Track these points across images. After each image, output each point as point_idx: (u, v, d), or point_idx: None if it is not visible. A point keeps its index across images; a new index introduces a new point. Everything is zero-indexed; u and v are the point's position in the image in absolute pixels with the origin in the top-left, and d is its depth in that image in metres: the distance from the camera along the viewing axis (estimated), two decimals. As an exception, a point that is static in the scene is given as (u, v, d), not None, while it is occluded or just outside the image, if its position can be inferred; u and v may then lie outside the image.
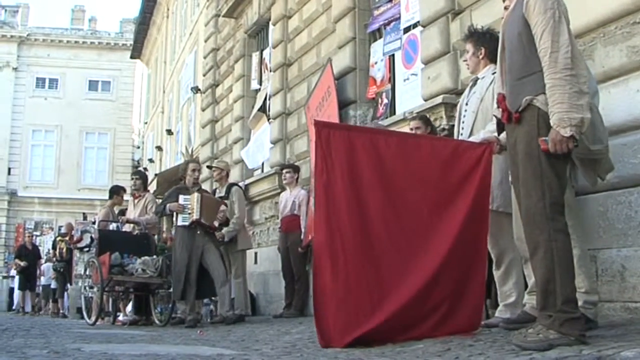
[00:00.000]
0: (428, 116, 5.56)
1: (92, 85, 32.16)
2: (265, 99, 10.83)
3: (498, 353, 2.87)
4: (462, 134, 4.23)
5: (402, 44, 7.11)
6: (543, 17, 2.98)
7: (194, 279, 6.98)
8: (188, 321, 6.98)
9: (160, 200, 8.11)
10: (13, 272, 18.52)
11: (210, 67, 14.18)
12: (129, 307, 8.86)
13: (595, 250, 4.02)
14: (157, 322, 7.74)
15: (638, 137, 3.94)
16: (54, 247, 14.43)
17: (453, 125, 4.75)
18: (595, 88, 3.51)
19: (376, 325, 3.55)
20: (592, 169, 3.30)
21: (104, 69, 32.03)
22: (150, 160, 24.10)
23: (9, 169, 30.55)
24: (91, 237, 10.55)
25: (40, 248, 18.54)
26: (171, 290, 7.22)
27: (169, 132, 20.53)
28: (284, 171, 8.42)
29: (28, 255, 15.86)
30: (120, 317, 8.75)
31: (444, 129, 5.68)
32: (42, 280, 16.24)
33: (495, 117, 3.40)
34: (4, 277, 19.65)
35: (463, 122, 4.25)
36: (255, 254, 10.04)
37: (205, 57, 14.60)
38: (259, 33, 11.91)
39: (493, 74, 3.94)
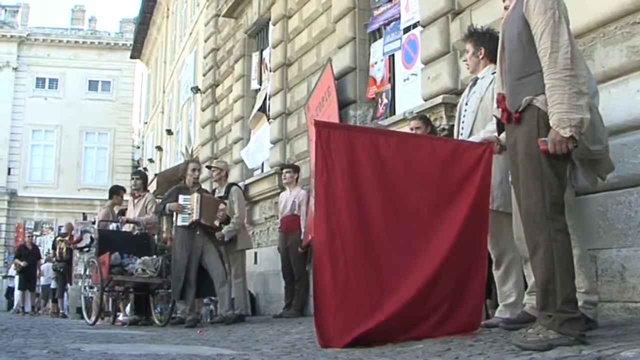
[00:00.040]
0: (428, 116, 5.56)
1: (92, 85, 32.17)
2: (265, 99, 10.83)
3: (498, 353, 2.87)
4: (462, 134, 4.23)
5: (402, 44, 7.11)
6: (543, 17, 2.98)
7: (193, 279, 6.98)
8: (188, 321, 6.98)
9: (160, 200, 8.11)
10: (12, 272, 18.49)
11: (210, 67, 14.18)
12: (128, 307, 8.86)
13: (595, 250, 4.02)
14: (157, 322, 7.74)
15: (638, 137, 3.94)
16: (53, 247, 14.43)
17: (453, 125, 4.75)
18: (595, 88, 3.51)
19: (376, 325, 3.55)
20: (592, 169, 3.30)
21: (104, 69, 32.04)
22: (150, 160, 24.10)
23: (9, 169, 30.56)
24: (91, 237, 10.55)
25: (40, 248, 18.54)
26: (171, 290, 7.22)
27: (169, 132, 20.53)
28: (284, 171, 8.43)
29: (28, 255, 15.86)
30: (120, 317, 8.75)
31: (443, 129, 5.68)
32: (42, 280, 16.24)
33: (495, 117, 3.40)
34: (4, 277, 19.64)
35: (463, 122, 4.25)
36: (255, 254, 10.04)
37: (205, 57, 14.61)
38: (259, 33, 11.91)
39: (493, 73, 3.94)
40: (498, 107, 3.27)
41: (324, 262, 3.68)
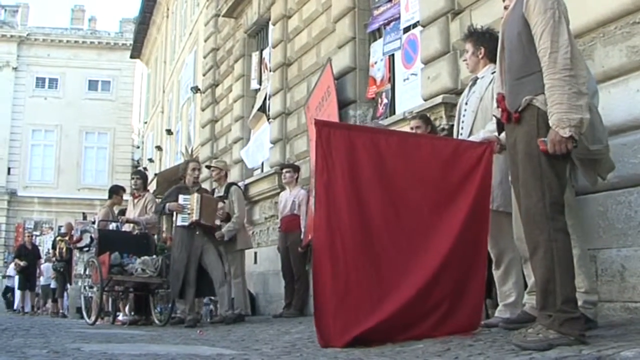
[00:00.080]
0: (428, 116, 5.56)
1: (92, 85, 32.19)
2: (265, 98, 10.83)
3: (498, 353, 2.87)
4: (461, 134, 4.23)
5: (402, 43, 7.11)
6: (543, 17, 2.98)
7: (193, 279, 6.98)
8: (188, 321, 6.98)
9: (160, 200, 8.11)
10: (10, 271, 18.47)
11: (210, 66, 14.18)
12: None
13: (595, 250, 4.03)
14: (156, 321, 7.74)
15: (638, 137, 3.94)
16: (53, 247, 14.43)
17: (453, 125, 4.75)
18: (594, 88, 3.51)
19: (376, 324, 3.55)
20: (592, 168, 3.30)
21: (104, 68, 32.05)
22: (150, 160, 24.11)
23: (9, 169, 30.57)
24: (91, 237, 10.54)
25: (40, 248, 18.54)
26: (170, 289, 7.22)
27: (169, 131, 20.53)
28: (284, 171, 8.42)
29: (28, 255, 15.86)
30: (120, 317, 8.75)
31: (443, 129, 5.68)
32: (42, 280, 16.24)
33: (495, 116, 3.40)
34: (3, 277, 19.65)
35: (463, 122, 4.25)
36: (255, 253, 10.04)
37: (205, 57, 14.61)
38: (258, 33, 11.91)
39: (492, 73, 3.94)
40: (498, 106, 3.27)
41: (324, 262, 3.68)
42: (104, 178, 30.36)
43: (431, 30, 6.19)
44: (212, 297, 8.17)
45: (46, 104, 31.32)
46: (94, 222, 11.17)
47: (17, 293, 17.33)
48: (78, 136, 31.56)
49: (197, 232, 7.08)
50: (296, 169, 8.39)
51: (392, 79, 7.56)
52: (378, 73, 7.79)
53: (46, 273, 16.00)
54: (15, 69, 31.30)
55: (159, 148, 22.75)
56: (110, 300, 9.07)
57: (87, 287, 8.60)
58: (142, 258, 7.57)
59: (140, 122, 31.58)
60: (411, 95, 6.85)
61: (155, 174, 17.98)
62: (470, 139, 4.02)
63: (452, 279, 3.72)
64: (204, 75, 14.67)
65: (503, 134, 3.45)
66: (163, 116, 22.72)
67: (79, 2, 42.78)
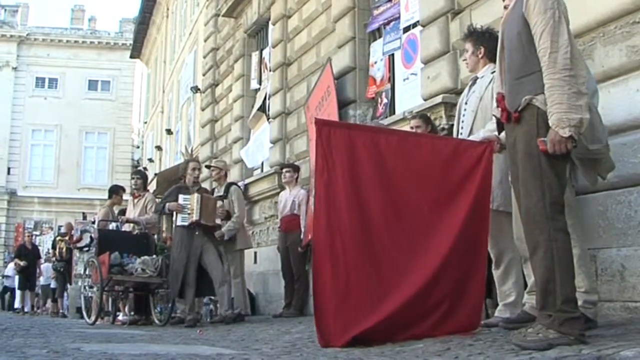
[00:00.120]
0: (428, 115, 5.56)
1: (92, 84, 32.19)
2: (265, 98, 10.83)
3: (498, 352, 2.87)
4: (461, 133, 4.23)
5: (402, 43, 7.11)
6: (543, 17, 2.98)
7: (192, 279, 6.98)
8: (187, 321, 6.98)
9: (160, 200, 8.11)
10: (8, 271, 18.45)
11: (210, 66, 14.18)
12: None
13: (595, 250, 4.03)
14: (156, 321, 7.73)
15: (638, 136, 3.95)
16: (53, 247, 14.42)
17: (453, 125, 4.75)
18: (594, 88, 3.51)
19: (376, 323, 3.55)
20: (592, 168, 3.29)
21: (104, 68, 32.06)
22: (150, 160, 24.11)
23: (9, 169, 30.57)
24: (91, 237, 10.54)
25: (39, 248, 18.52)
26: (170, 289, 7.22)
27: (169, 131, 20.53)
28: (284, 170, 8.42)
29: (28, 255, 15.85)
30: (120, 317, 8.75)
31: (443, 129, 5.68)
32: (41, 280, 16.24)
33: (495, 116, 3.40)
34: (3, 277, 19.64)
35: (462, 122, 4.25)
36: (255, 253, 10.04)
37: (204, 57, 14.60)
38: (258, 32, 11.91)
39: (492, 73, 3.94)
40: (497, 106, 3.27)
41: (324, 261, 3.68)
42: (103, 178, 30.36)
43: (431, 30, 6.19)
44: (212, 297, 8.17)
45: (46, 104, 31.32)
46: (93, 222, 11.17)
47: (17, 293, 17.33)
48: (78, 136, 31.56)
49: (197, 232, 7.08)
50: (296, 169, 8.39)
51: (392, 79, 7.56)
52: (378, 73, 7.79)
53: (46, 273, 16.00)
54: (15, 68, 31.30)
55: (158, 148, 22.75)
56: (110, 300, 9.07)
57: (87, 287, 8.60)
58: (142, 258, 7.57)
59: (140, 122, 31.58)
60: (411, 95, 6.85)
61: (155, 174, 17.99)
62: (470, 138, 4.01)
63: (452, 279, 3.72)
64: (203, 75, 14.67)
65: (503, 134, 3.45)
66: (163, 116, 22.72)
67: (79, 2, 42.80)
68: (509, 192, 3.68)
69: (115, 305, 9.06)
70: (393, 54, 7.47)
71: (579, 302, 3.07)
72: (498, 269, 4.00)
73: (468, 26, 4.46)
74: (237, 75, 12.22)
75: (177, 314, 7.59)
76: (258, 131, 10.99)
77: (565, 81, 2.89)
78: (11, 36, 31.37)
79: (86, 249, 11.32)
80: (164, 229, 11.36)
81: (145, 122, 28.77)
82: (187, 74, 17.22)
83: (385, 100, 7.57)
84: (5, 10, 32.21)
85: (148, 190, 9.17)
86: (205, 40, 14.73)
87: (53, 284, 14.86)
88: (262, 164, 10.87)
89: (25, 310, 16.32)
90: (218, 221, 7.33)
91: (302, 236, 8.00)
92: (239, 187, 8.59)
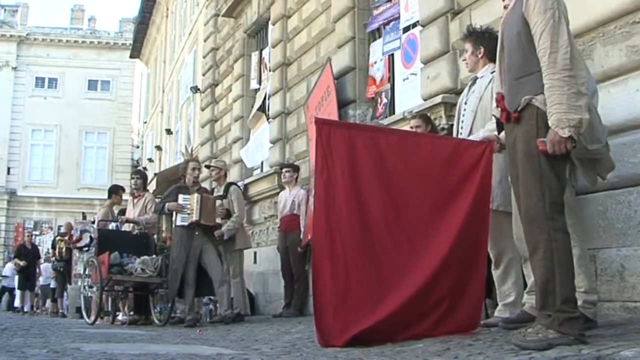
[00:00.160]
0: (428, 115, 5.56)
1: (92, 84, 32.19)
2: (265, 98, 10.83)
3: (497, 352, 2.87)
4: (461, 133, 4.23)
5: (402, 43, 7.11)
6: (543, 17, 2.97)
7: (192, 279, 6.98)
8: (187, 321, 6.98)
9: (160, 200, 8.11)
10: (6, 271, 18.42)
11: (210, 66, 14.17)
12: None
13: (594, 250, 4.03)
14: (156, 321, 7.73)
15: (638, 136, 3.95)
16: (53, 247, 14.42)
17: (452, 125, 4.75)
18: (593, 88, 3.51)
19: (375, 322, 3.55)
20: (592, 168, 3.30)
21: (104, 68, 32.06)
22: (150, 160, 24.11)
23: (9, 169, 30.57)
24: (90, 237, 10.53)
25: (39, 248, 18.51)
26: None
27: (169, 131, 20.52)
28: (284, 170, 8.42)
29: (27, 254, 15.85)
30: (120, 317, 8.74)
31: (443, 129, 5.67)
32: (41, 280, 16.22)
33: (494, 116, 3.40)
34: (2, 277, 19.62)
35: (462, 122, 4.25)
36: (255, 253, 10.04)
37: (204, 57, 14.60)
38: (258, 32, 11.91)
39: (492, 72, 3.94)
40: (497, 106, 3.27)
41: (324, 261, 3.68)
42: (103, 178, 30.35)
43: (431, 30, 6.18)
44: (212, 297, 8.16)
45: (46, 104, 31.31)
46: (93, 222, 11.16)
47: (17, 293, 17.33)
48: (78, 136, 31.56)
49: (197, 232, 7.08)
50: (296, 169, 8.39)
51: (391, 79, 7.56)
52: (378, 73, 7.79)
53: (45, 273, 15.99)
54: (14, 68, 31.30)
55: (158, 148, 22.75)
56: (109, 300, 9.06)
57: (86, 287, 8.59)
58: (142, 258, 7.56)
59: (140, 121, 31.58)
60: (411, 95, 6.85)
61: (155, 174, 17.98)
62: (470, 138, 4.01)
63: (452, 278, 3.72)
64: (203, 75, 14.67)
65: (503, 133, 3.45)
66: (163, 116, 22.72)
67: (79, 1, 42.71)
68: (509, 192, 3.68)
69: (115, 305, 9.05)
70: (393, 54, 7.47)
71: (579, 302, 3.07)
72: (497, 269, 4.00)
73: (467, 26, 4.47)
74: (236, 75, 12.22)
75: (176, 314, 7.58)
76: (258, 131, 10.99)
77: (565, 81, 2.89)
78: (11, 36, 31.37)
79: (86, 248, 11.31)
80: (163, 228, 11.36)
81: (145, 122, 28.76)
82: (187, 74, 17.22)
83: (385, 100, 7.57)
84: (5, 10, 32.21)
85: (148, 190, 9.16)
86: (205, 40, 14.73)
87: (53, 284, 14.86)
88: (262, 164, 10.87)
89: (25, 310, 16.31)
90: (218, 220, 7.33)
91: (301, 236, 8.00)
92: (239, 187, 8.60)
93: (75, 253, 12.97)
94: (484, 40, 4.18)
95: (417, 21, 6.58)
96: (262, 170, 10.78)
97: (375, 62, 7.87)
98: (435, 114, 5.79)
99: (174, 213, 7.22)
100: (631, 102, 3.97)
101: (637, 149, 3.93)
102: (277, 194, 9.12)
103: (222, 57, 13.50)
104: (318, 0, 8.97)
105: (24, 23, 32.43)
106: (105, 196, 10.51)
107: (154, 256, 7.67)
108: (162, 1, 23.28)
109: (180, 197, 7.15)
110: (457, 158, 3.80)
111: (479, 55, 4.20)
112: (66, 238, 13.67)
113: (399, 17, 7.15)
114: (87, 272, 8.55)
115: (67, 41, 31.99)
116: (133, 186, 8.66)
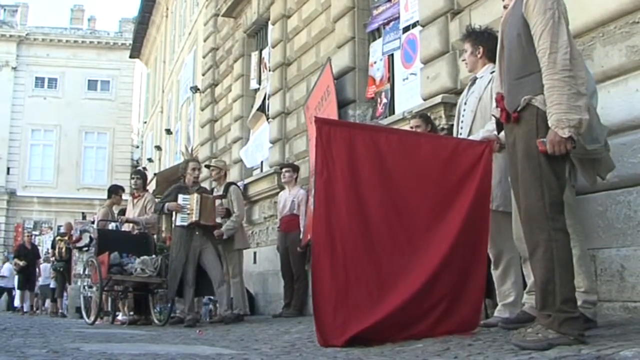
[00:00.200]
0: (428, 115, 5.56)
1: (92, 84, 32.18)
2: (265, 98, 10.83)
3: (497, 352, 2.87)
4: (461, 133, 4.23)
5: (401, 43, 7.11)
6: (542, 17, 2.97)
7: (191, 279, 6.98)
8: (187, 321, 6.98)
9: (159, 199, 8.11)
10: (4, 272, 18.43)
11: (210, 66, 14.17)
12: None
13: (594, 250, 4.03)
14: (156, 321, 7.73)
15: (637, 136, 3.95)
16: (53, 247, 14.42)
17: (452, 125, 4.75)
18: (593, 88, 3.51)
19: (375, 322, 3.55)
20: (591, 168, 3.30)
21: (103, 68, 32.05)
22: (150, 160, 24.10)
23: (8, 169, 30.56)
24: (90, 237, 10.53)
25: (39, 248, 18.51)
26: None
27: (168, 131, 20.52)
28: (284, 170, 8.42)
29: (27, 254, 15.85)
30: (119, 317, 8.74)
31: (443, 129, 5.68)
32: (40, 280, 16.22)
33: (494, 116, 3.40)
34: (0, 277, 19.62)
35: (462, 122, 4.25)
36: (255, 253, 10.04)
37: (204, 57, 14.60)
38: (258, 32, 11.91)
39: (492, 73, 3.94)
40: (497, 106, 3.27)
41: (323, 261, 3.68)
42: (103, 178, 30.34)
43: (430, 30, 6.18)
44: (212, 297, 8.16)
45: (45, 104, 31.31)
46: (93, 222, 11.16)
47: (17, 293, 17.32)
48: (77, 136, 31.55)
49: (197, 232, 7.09)
50: (295, 169, 8.39)
51: (391, 79, 7.56)
52: (377, 73, 7.79)
53: (45, 273, 15.98)
54: (14, 68, 31.29)
55: (158, 148, 22.74)
56: (109, 300, 9.06)
57: (86, 287, 8.59)
58: (142, 258, 7.56)
59: (140, 121, 31.58)
60: (410, 95, 6.85)
61: (155, 174, 17.98)
62: (470, 137, 4.01)
63: (451, 278, 3.72)
64: (203, 75, 14.67)
65: (502, 133, 3.45)
66: (162, 116, 22.72)
67: (79, 1, 42.69)
68: (509, 192, 3.68)
69: (115, 305, 9.05)
70: (392, 54, 7.47)
71: (579, 302, 3.08)
72: (497, 269, 4.00)
73: (467, 26, 4.47)
74: (236, 75, 12.22)
75: (176, 314, 7.58)
76: (257, 131, 10.99)
77: (565, 82, 2.89)
78: (11, 36, 31.37)
79: (85, 248, 11.31)
80: (163, 228, 11.36)
81: (145, 122, 28.76)
82: (187, 74, 17.22)
83: (384, 100, 7.57)
84: (5, 10, 32.20)
85: (147, 190, 9.16)
86: (204, 40, 14.73)
87: (52, 284, 14.85)
88: (262, 163, 10.87)
89: (25, 310, 16.30)
90: (218, 220, 7.33)
91: (301, 236, 8.00)
92: (238, 187, 8.60)
93: (75, 253, 12.97)
94: (483, 40, 4.18)
95: (417, 21, 6.58)
96: (261, 170, 10.78)
97: (375, 62, 7.87)
98: (435, 114, 5.79)
99: (174, 213, 7.23)
100: (631, 102, 3.97)
101: (637, 149, 3.93)
102: (277, 194, 9.12)
103: (222, 57, 13.50)
104: (318, 0, 8.97)
105: (24, 23, 32.42)
106: (105, 196, 10.50)
107: (153, 256, 7.68)
108: (162, 1, 23.28)
109: (180, 197, 7.15)
110: (456, 158, 3.80)
111: (479, 55, 4.21)
112: (66, 238, 13.67)
113: (398, 17, 7.15)
114: (86, 272, 8.55)
115: (67, 41, 31.99)
116: (133, 186, 8.67)
